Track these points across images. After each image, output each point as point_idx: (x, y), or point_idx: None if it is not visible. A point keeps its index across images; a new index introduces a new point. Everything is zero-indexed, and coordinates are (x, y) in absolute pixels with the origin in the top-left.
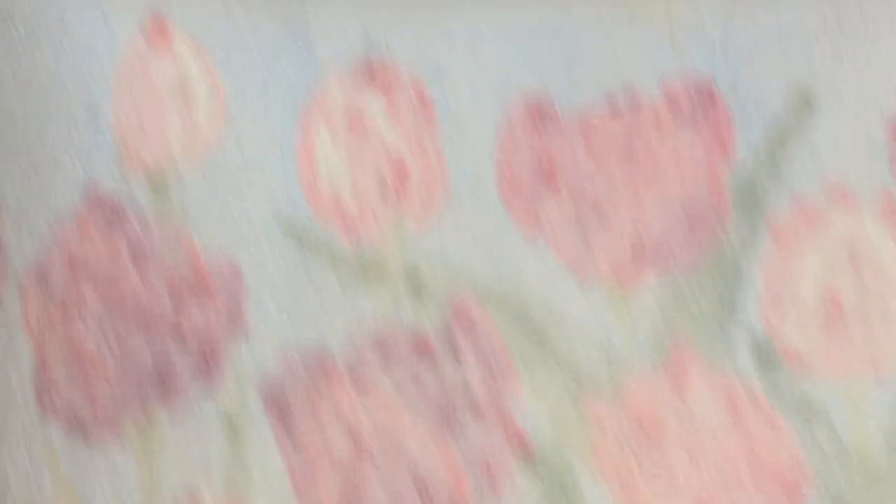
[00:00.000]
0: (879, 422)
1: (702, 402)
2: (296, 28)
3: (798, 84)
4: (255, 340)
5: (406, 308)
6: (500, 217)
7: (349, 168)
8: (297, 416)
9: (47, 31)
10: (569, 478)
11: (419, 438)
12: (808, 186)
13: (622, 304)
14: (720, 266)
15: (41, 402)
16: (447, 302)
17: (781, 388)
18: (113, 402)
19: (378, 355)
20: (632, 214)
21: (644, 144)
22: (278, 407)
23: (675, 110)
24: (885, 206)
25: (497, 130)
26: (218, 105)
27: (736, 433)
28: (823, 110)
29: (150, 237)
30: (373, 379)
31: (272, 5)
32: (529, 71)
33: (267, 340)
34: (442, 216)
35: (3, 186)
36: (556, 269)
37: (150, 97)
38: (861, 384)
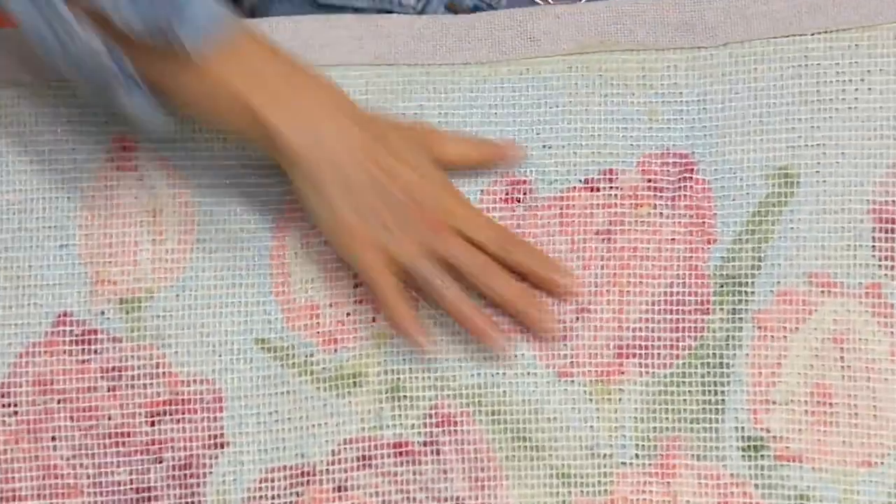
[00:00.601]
0: None
1: (692, 498)
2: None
3: (779, 164)
4: (234, 456)
5: (386, 413)
6: None
7: (324, 273)
8: None
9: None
10: None
11: None
12: (793, 277)
13: (606, 400)
14: (705, 361)
15: None
16: (428, 405)
17: (773, 483)
18: None
19: (359, 463)
20: (613, 308)
21: (622, 224)
22: None
23: (654, 188)
24: (873, 298)
25: None
26: (187, 222)
27: None
28: (805, 193)
29: (124, 361)
30: (354, 486)
31: None
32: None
33: (246, 455)
34: (419, 315)
35: None
36: (536, 365)
37: (119, 222)
38: (853, 476)
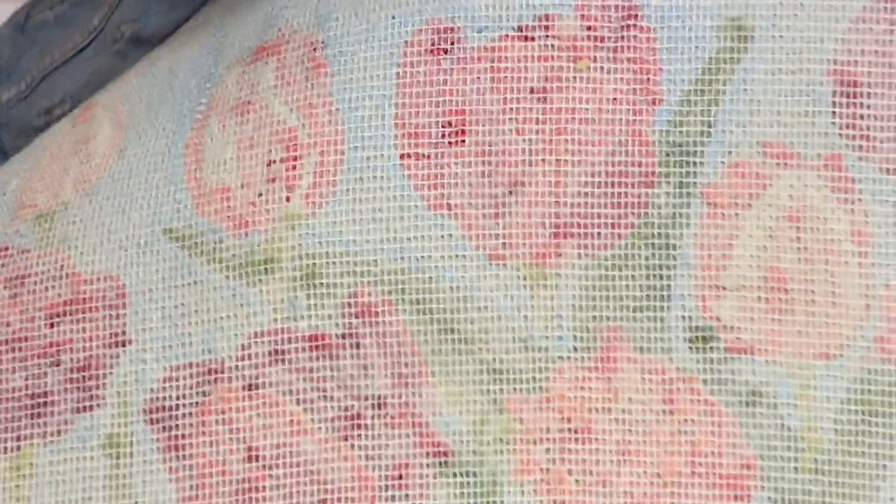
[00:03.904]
0: (829, 408)
1: (634, 395)
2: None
3: (732, 14)
4: (136, 354)
5: (301, 302)
6: (401, 187)
7: (236, 153)
8: (185, 432)
9: None
10: (491, 484)
11: (321, 446)
12: (746, 146)
13: (541, 286)
14: (649, 241)
15: None
16: (346, 293)
17: (722, 377)
18: None
19: (272, 358)
20: (549, 181)
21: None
22: (164, 423)
23: (594, 37)
24: (833, 171)
25: (398, 75)
26: (117, 137)
27: (674, 429)
28: (759, 49)
29: (29, 269)
30: (266, 384)
31: None
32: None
33: (149, 353)
34: (337, 192)
35: None
36: (465, 246)
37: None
38: (809, 370)
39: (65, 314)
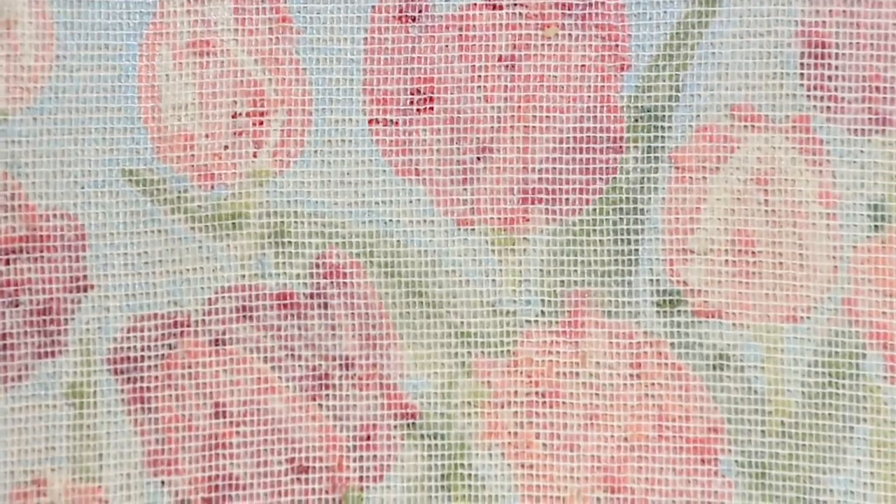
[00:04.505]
0: (796, 371)
1: (602, 360)
2: None
3: None
4: (99, 300)
5: (268, 260)
6: (369, 152)
7: (198, 98)
8: (150, 385)
9: None
10: (458, 447)
11: (289, 405)
12: (714, 110)
13: (510, 251)
14: (617, 206)
15: None
16: (314, 253)
17: (690, 341)
18: None
19: (239, 315)
20: (517, 147)
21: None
22: (129, 374)
23: (562, 4)
24: (801, 133)
25: (365, 41)
26: (46, 35)
27: (641, 393)
28: (728, 12)
29: None
30: (234, 340)
31: None
32: None
33: (113, 300)
34: (305, 153)
35: None
36: (433, 211)
37: None
38: (776, 333)
39: (21, 251)
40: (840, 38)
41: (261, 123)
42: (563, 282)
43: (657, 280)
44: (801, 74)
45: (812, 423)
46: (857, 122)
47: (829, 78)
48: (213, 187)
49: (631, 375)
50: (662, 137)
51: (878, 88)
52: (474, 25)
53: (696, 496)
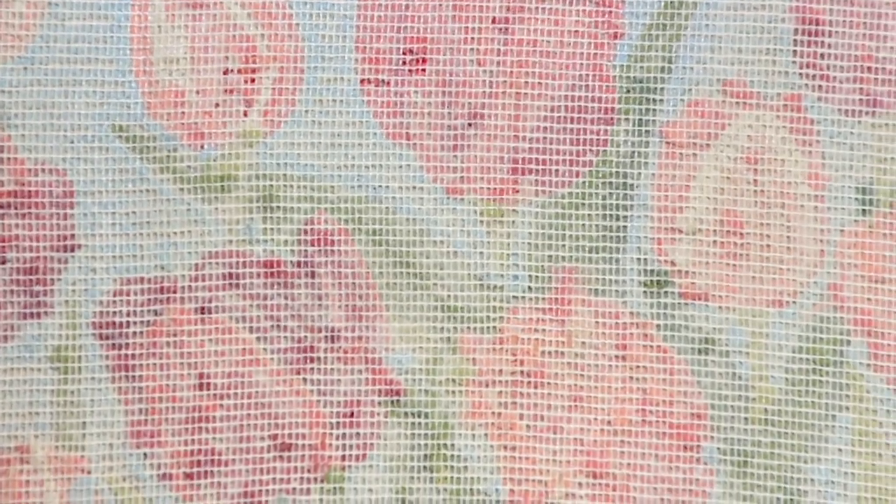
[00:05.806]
0: (781, 356)
1: (588, 340)
2: None
3: None
4: (86, 261)
5: (256, 225)
6: (360, 113)
7: (189, 52)
8: (135, 352)
9: None
10: (442, 426)
11: (273, 378)
12: (706, 84)
13: (498, 222)
14: (607, 180)
15: None
16: (303, 218)
17: (676, 324)
18: None
19: (226, 282)
20: (508, 115)
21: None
22: (114, 340)
23: None
24: (792, 112)
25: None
26: None
27: (626, 376)
28: None
29: None
30: (219, 308)
31: None
32: None
33: (99, 261)
34: (295, 112)
35: None
36: (423, 178)
37: None
38: (762, 317)
39: (9, 206)
40: (833, 15)
41: (252, 81)
42: (550, 257)
43: (645, 259)
44: (794, 52)
45: (795, 410)
46: (848, 102)
47: (822, 56)
48: (202, 147)
49: (616, 357)
50: (654, 111)
51: (869, 69)
52: None
53: (678, 483)
